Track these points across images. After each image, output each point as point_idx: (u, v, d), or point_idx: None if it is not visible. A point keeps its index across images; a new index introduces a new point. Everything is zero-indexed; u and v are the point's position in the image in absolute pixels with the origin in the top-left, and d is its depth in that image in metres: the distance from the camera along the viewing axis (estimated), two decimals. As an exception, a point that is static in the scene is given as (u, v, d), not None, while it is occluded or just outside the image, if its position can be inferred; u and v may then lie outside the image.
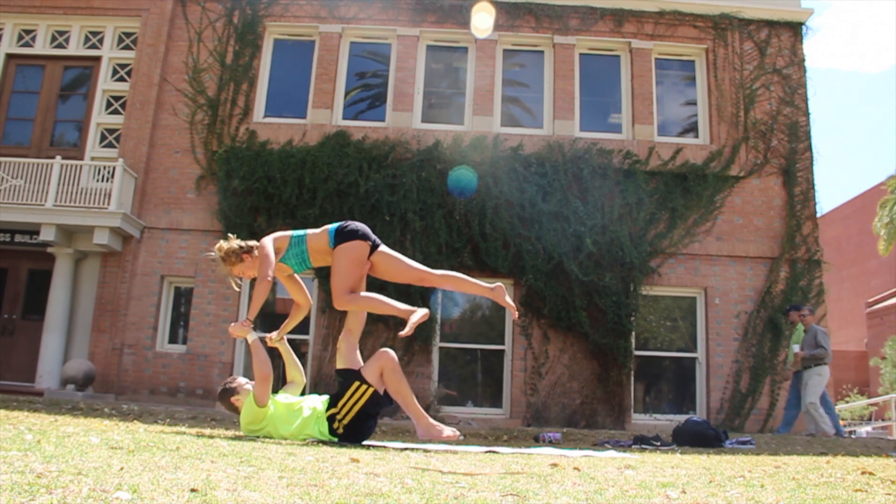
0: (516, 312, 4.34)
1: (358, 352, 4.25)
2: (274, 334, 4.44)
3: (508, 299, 4.18)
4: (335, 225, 4.21)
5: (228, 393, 4.29)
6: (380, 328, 10.25)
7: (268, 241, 4.20)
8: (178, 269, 10.70)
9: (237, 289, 4.57)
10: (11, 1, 11.52)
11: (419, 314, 3.93)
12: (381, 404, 4.06)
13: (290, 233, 4.31)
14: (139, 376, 10.31)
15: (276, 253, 4.20)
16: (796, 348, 8.81)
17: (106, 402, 8.22)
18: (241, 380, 4.37)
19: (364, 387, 4.01)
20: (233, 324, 4.22)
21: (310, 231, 4.30)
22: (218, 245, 4.32)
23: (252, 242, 4.33)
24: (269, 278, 4.07)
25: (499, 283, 4.26)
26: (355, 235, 4.12)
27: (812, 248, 10.88)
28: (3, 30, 11.67)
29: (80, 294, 10.74)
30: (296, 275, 4.44)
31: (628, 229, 10.58)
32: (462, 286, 4.33)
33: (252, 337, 4.13)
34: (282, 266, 4.26)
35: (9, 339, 10.75)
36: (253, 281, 4.37)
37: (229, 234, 4.48)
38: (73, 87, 11.89)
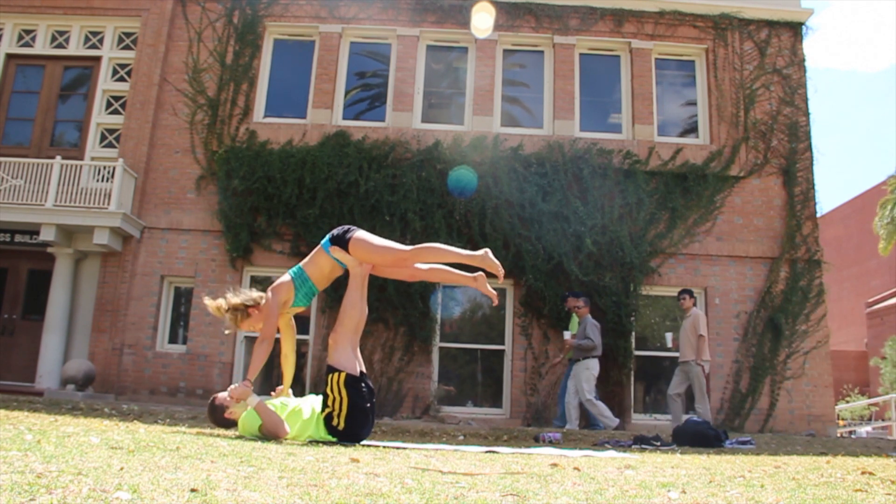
0: (496, 300, 4.39)
1: (358, 351, 4.23)
2: (279, 393, 4.41)
3: (489, 288, 4.25)
4: (325, 239, 4.25)
5: (220, 411, 4.22)
6: (380, 328, 10.26)
7: (273, 300, 4.13)
8: (178, 269, 10.70)
9: (227, 332, 4.53)
10: (11, 1, 11.52)
11: (490, 254, 3.96)
12: (357, 385, 3.98)
13: (288, 278, 4.23)
14: (139, 376, 10.31)
15: (285, 304, 4.18)
16: (567, 335, 8.85)
17: (106, 402, 8.22)
18: (222, 395, 4.27)
19: (335, 375, 3.98)
20: (232, 386, 4.14)
21: (304, 262, 4.29)
22: (218, 304, 4.23)
23: (256, 294, 4.25)
24: (271, 342, 4.08)
25: (480, 273, 4.26)
26: (350, 231, 4.17)
27: (812, 248, 10.88)
28: (3, 30, 11.67)
29: (80, 294, 10.74)
30: (292, 319, 4.43)
31: (628, 229, 10.59)
32: (447, 278, 4.42)
33: (254, 401, 3.99)
34: (292, 309, 4.26)
35: (9, 339, 10.75)
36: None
37: (232, 289, 4.37)
38: (73, 87, 11.89)
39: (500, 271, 3.96)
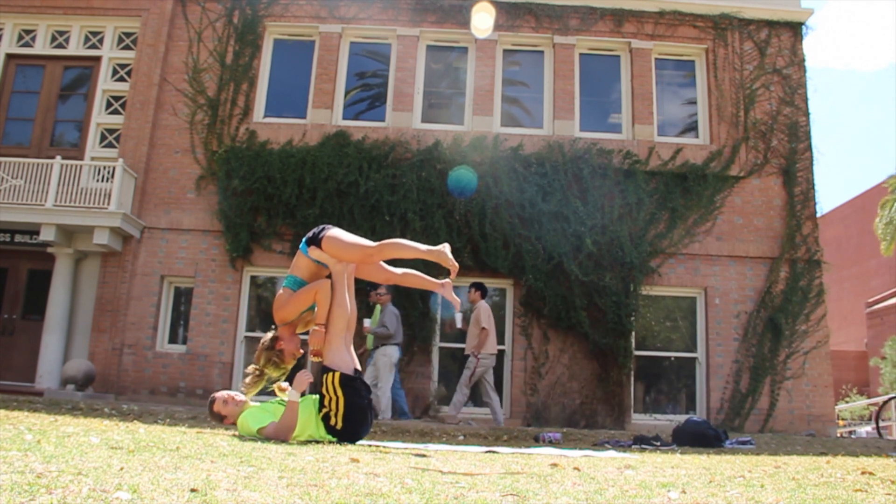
0: (458, 306, 4.50)
1: (353, 349, 4.23)
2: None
3: (454, 295, 4.38)
4: (302, 242, 4.27)
5: (219, 418, 4.21)
6: (380, 328, 10.25)
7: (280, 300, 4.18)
8: (178, 269, 10.70)
9: (281, 387, 4.30)
10: (11, 1, 11.51)
11: (446, 249, 3.97)
12: (352, 384, 4.00)
13: (282, 290, 4.24)
14: (139, 376, 10.31)
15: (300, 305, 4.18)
16: (366, 323, 8.83)
17: (106, 402, 8.21)
18: (222, 394, 4.25)
19: (330, 375, 3.98)
20: (313, 328, 4.07)
21: (291, 269, 4.30)
22: (252, 371, 4.16)
23: (267, 336, 4.21)
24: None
25: (447, 280, 4.38)
26: (324, 230, 4.20)
27: (812, 248, 10.88)
28: (3, 30, 11.67)
29: (80, 294, 10.74)
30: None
31: (628, 229, 10.58)
32: (417, 283, 4.49)
33: (295, 395, 3.95)
34: (307, 315, 4.24)
35: (9, 339, 10.75)
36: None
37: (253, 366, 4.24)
38: (73, 87, 11.89)
39: (454, 267, 4.00)
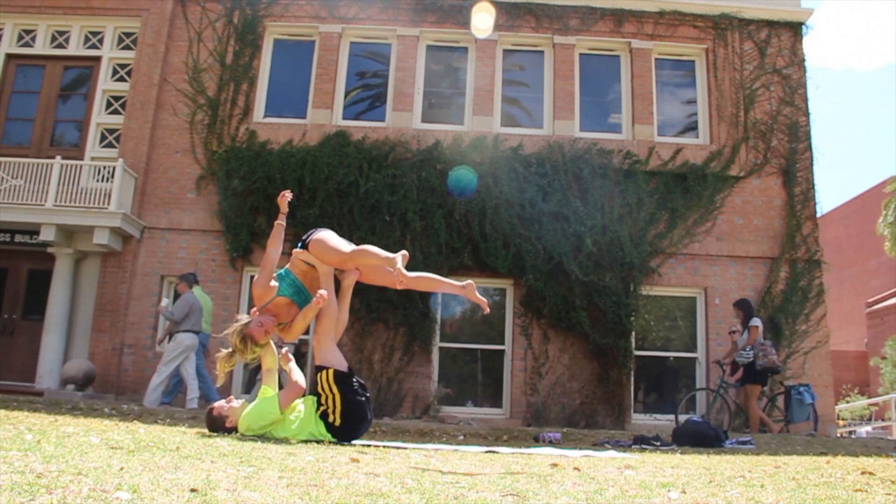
0: (487, 308, 4.30)
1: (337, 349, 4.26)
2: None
3: (479, 296, 4.18)
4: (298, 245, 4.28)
5: (220, 421, 4.22)
6: (380, 328, 10.26)
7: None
8: (178, 269, 10.67)
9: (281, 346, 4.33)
10: (11, 1, 11.52)
11: (399, 258, 3.87)
12: (347, 381, 4.04)
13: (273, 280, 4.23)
14: (139, 376, 10.30)
15: (269, 291, 4.10)
16: (164, 302, 8.97)
17: (106, 402, 8.22)
18: (219, 403, 4.29)
19: (324, 373, 4.02)
20: (284, 349, 4.18)
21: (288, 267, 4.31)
22: (231, 352, 4.13)
23: (242, 319, 4.17)
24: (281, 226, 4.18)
25: (469, 281, 4.21)
26: (314, 233, 4.25)
27: (812, 248, 10.88)
28: (3, 30, 11.67)
29: (80, 294, 10.74)
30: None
31: (628, 229, 10.58)
32: (434, 286, 4.40)
33: (286, 359, 4.17)
34: (280, 301, 4.15)
35: (9, 339, 10.75)
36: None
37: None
38: (73, 87, 11.89)
39: (400, 280, 3.86)
